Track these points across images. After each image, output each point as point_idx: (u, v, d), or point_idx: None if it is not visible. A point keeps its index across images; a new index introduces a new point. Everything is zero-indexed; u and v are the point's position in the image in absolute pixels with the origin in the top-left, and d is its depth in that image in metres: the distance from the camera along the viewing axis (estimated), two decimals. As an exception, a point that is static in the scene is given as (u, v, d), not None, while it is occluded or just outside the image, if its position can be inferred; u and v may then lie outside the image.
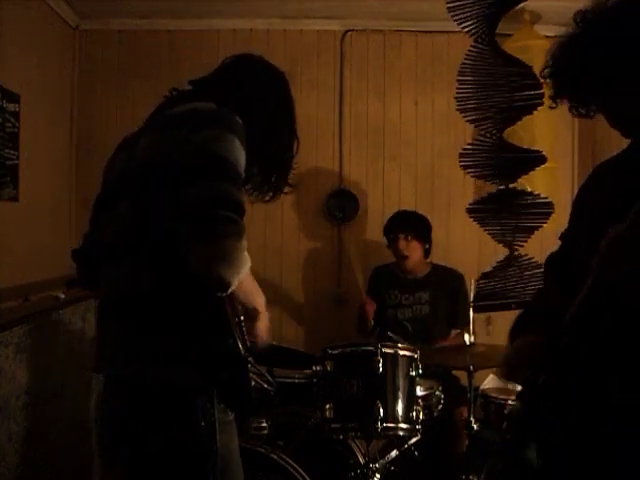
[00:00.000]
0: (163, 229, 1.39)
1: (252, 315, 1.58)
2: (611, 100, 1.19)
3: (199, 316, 1.40)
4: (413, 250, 3.25)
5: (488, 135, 3.32)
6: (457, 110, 3.25)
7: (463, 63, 3.24)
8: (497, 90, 3.25)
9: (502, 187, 3.35)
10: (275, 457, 2.22)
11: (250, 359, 1.43)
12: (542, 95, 3.22)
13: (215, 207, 1.30)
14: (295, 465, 2.21)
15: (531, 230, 3.37)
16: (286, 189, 1.69)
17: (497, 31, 3.84)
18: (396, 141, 3.95)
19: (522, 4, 3.55)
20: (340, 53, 3.93)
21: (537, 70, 3.48)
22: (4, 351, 1.96)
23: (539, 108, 3.56)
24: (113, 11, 3.77)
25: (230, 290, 1.35)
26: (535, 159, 3.36)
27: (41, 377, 2.20)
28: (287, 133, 1.67)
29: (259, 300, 1.58)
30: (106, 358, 1.52)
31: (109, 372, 1.53)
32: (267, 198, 1.68)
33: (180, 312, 1.40)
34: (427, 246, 3.31)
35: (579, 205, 1.36)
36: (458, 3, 3.16)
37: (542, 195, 3.37)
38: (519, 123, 3.63)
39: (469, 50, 3.22)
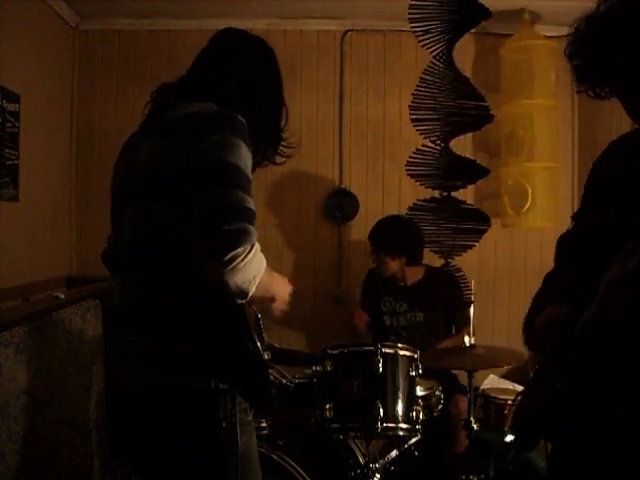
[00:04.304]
0: (177, 242, 1.40)
1: (270, 302, 1.58)
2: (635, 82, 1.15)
3: (219, 322, 1.41)
4: (383, 263, 3.18)
5: (435, 144, 3.43)
6: (410, 112, 3.37)
7: (422, 76, 3.36)
8: (445, 104, 3.39)
9: (444, 194, 3.42)
10: (275, 457, 2.21)
11: (267, 353, 1.45)
12: (489, 116, 3.36)
13: (226, 218, 1.32)
14: (295, 465, 2.21)
15: (468, 241, 3.47)
16: (278, 159, 1.68)
17: (497, 31, 3.88)
18: (396, 141, 3.96)
19: (522, 5, 3.58)
20: (340, 53, 3.94)
21: (539, 67, 3.55)
22: (4, 351, 1.96)
23: (539, 108, 3.59)
24: (113, 11, 3.78)
25: (250, 296, 1.37)
26: (478, 170, 3.47)
27: (41, 377, 2.20)
28: (278, 103, 1.66)
29: (274, 288, 1.57)
30: (122, 367, 1.53)
31: (124, 379, 1.53)
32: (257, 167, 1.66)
33: (200, 320, 1.41)
34: (403, 258, 3.16)
35: (594, 181, 1.34)
36: (419, 16, 3.28)
37: (479, 209, 3.47)
38: (519, 123, 3.66)
39: (429, 65, 3.33)
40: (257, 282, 1.36)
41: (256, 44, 1.68)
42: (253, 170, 1.47)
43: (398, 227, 3.23)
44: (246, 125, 1.43)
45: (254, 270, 1.34)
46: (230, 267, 1.29)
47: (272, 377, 1.48)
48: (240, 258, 1.30)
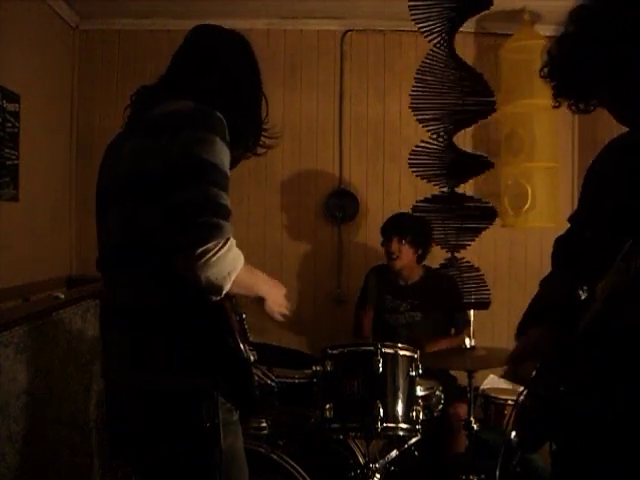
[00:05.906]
0: (156, 240, 1.39)
1: (259, 303, 1.57)
2: (615, 91, 1.17)
3: (200, 322, 1.40)
4: (404, 254, 3.18)
5: (438, 137, 3.38)
6: (410, 108, 3.31)
7: (422, 64, 3.29)
8: (449, 93, 3.32)
9: (448, 190, 3.40)
10: (275, 457, 2.21)
11: (253, 354, 1.43)
12: (493, 102, 3.29)
13: (198, 214, 1.32)
14: (295, 465, 2.21)
15: (473, 234, 3.44)
16: (259, 150, 1.67)
17: (497, 31, 3.88)
18: (396, 141, 3.96)
19: (521, 5, 3.58)
20: (340, 53, 3.94)
21: (539, 67, 3.54)
22: (4, 351, 1.96)
23: (539, 108, 3.59)
24: (113, 11, 3.78)
25: (224, 292, 1.36)
26: (482, 164, 3.43)
27: (41, 377, 2.20)
28: (257, 97, 1.65)
29: (258, 287, 1.55)
30: (112, 367, 1.53)
31: (116, 380, 1.54)
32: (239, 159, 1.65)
33: (181, 320, 1.41)
34: (420, 252, 3.20)
35: (591, 183, 1.34)
36: (420, 4, 3.21)
37: (485, 200, 3.43)
38: (519, 123, 3.66)
39: (428, 53, 3.27)
40: (232, 278, 1.35)
41: (234, 40, 1.67)
42: (235, 165, 1.46)
43: (418, 221, 3.30)
44: (225, 122, 1.43)
45: (228, 266, 1.33)
46: (201, 262, 1.29)
47: (257, 377, 1.46)
48: (211, 253, 1.30)
